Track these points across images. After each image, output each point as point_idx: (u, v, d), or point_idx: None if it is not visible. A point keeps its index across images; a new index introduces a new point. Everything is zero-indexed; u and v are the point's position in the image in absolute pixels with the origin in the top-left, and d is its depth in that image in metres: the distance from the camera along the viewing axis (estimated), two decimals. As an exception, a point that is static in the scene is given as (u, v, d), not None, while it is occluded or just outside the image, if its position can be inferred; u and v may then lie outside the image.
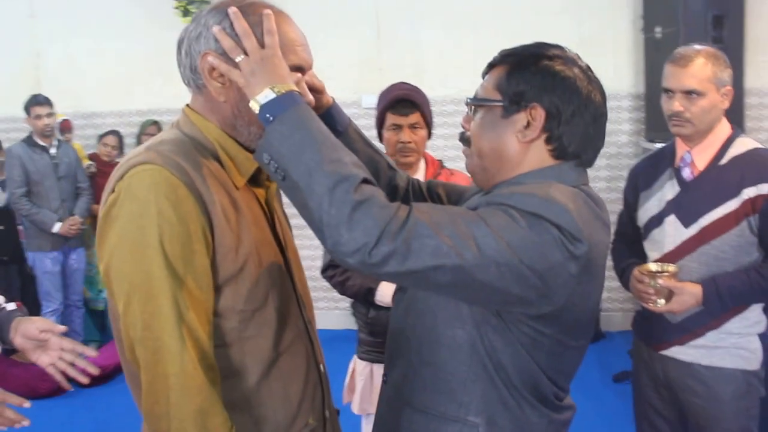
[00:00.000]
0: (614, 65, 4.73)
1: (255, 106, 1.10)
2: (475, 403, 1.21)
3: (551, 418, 1.24)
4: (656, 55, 4.12)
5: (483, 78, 1.29)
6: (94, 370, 1.63)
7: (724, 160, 1.98)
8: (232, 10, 1.15)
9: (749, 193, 1.91)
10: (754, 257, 1.97)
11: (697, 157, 2.02)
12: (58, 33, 5.59)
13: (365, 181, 1.07)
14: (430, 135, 2.37)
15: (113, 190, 1.13)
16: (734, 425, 2.02)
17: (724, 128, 2.02)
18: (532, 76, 1.20)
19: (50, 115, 4.57)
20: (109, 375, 4.36)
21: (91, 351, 1.65)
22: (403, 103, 2.29)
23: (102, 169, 5.07)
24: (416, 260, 1.04)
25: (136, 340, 1.11)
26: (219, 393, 1.14)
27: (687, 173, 2.03)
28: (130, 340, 1.12)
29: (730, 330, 2.00)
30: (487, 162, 1.25)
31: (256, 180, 1.26)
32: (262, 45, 1.13)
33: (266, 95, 1.09)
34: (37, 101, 4.53)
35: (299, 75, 1.21)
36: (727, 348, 2.01)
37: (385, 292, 2.24)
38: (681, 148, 2.06)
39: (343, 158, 1.08)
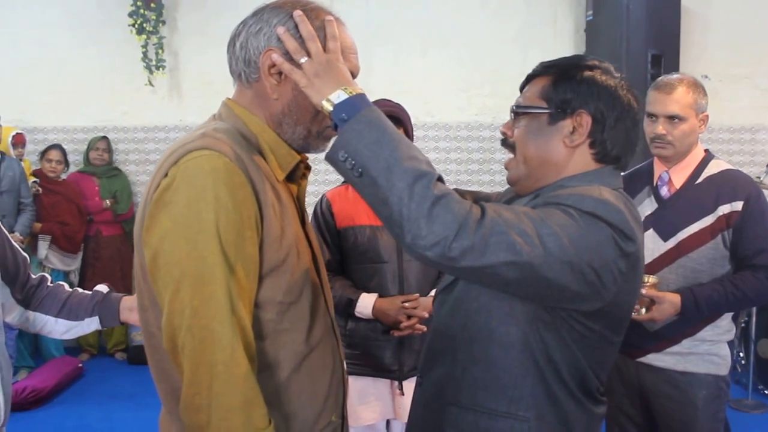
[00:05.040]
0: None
1: (328, 106, 1.13)
2: (525, 399, 1.25)
3: (593, 412, 1.30)
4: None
5: (521, 90, 1.37)
6: None
7: (699, 180, 2.15)
8: (298, 14, 1.18)
9: (724, 209, 2.08)
10: (727, 269, 2.13)
11: (674, 177, 2.18)
12: (2, 44, 5.37)
13: (440, 179, 1.11)
14: None
15: (166, 175, 1.11)
16: (705, 428, 2.15)
17: (699, 150, 2.19)
18: (577, 85, 1.28)
19: None
20: (44, 398, 4.20)
21: None
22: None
23: (47, 186, 4.86)
24: (492, 256, 1.08)
25: (182, 327, 1.07)
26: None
27: (665, 191, 2.19)
28: (172, 328, 1.08)
29: (703, 337, 2.15)
30: (533, 167, 1.31)
31: (290, 176, 1.27)
32: (324, 49, 1.17)
33: (339, 96, 1.12)
34: (-18, 113, 4.31)
35: None
36: (700, 354, 2.15)
37: (365, 304, 2.26)
38: (659, 167, 2.22)
39: (419, 156, 1.12)
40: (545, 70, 1.33)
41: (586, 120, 1.26)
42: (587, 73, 1.28)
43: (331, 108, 1.12)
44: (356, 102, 1.12)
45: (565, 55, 1.40)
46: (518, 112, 1.33)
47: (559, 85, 1.28)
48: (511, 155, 1.36)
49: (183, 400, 1.10)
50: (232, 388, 1.07)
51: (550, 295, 1.17)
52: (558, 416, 1.26)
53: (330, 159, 1.13)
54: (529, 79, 1.36)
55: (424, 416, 1.37)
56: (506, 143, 1.37)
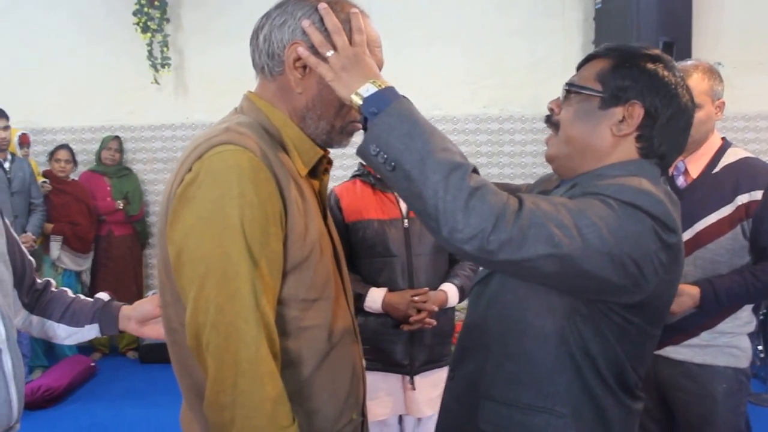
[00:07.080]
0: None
1: (357, 100, 1.11)
2: (562, 394, 1.22)
3: (630, 408, 1.27)
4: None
5: (578, 69, 1.32)
6: None
7: (717, 169, 2.09)
8: (323, 6, 1.17)
9: (743, 199, 2.03)
10: (747, 260, 2.08)
11: (690, 166, 2.13)
12: (8, 45, 5.40)
13: (475, 170, 1.09)
14: None
15: (190, 169, 1.09)
16: (726, 422, 2.10)
17: (716, 138, 2.14)
18: (639, 74, 1.23)
19: (6, 128, 4.39)
20: (58, 397, 4.25)
21: None
22: None
23: (57, 186, 4.91)
24: (530, 248, 1.05)
25: (207, 324, 1.06)
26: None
27: (681, 181, 2.14)
28: (196, 325, 1.07)
29: (722, 330, 2.10)
30: (574, 149, 1.27)
31: (312, 171, 1.26)
32: (350, 42, 1.15)
33: (368, 89, 1.11)
34: (-9, 113, 4.34)
35: None
36: (719, 347, 2.10)
37: (374, 298, 2.25)
38: (674, 157, 2.16)
39: (452, 148, 1.09)
40: (607, 52, 1.29)
41: (638, 112, 1.23)
42: (650, 65, 1.24)
43: (360, 101, 1.11)
44: (386, 95, 1.10)
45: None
46: (570, 90, 1.29)
47: (618, 71, 1.24)
48: (553, 133, 1.32)
49: (207, 397, 1.08)
50: (257, 385, 1.05)
51: (589, 288, 1.14)
52: (595, 412, 1.23)
53: (361, 153, 1.11)
54: (589, 59, 1.32)
55: (456, 410, 1.36)
56: (550, 120, 1.34)
